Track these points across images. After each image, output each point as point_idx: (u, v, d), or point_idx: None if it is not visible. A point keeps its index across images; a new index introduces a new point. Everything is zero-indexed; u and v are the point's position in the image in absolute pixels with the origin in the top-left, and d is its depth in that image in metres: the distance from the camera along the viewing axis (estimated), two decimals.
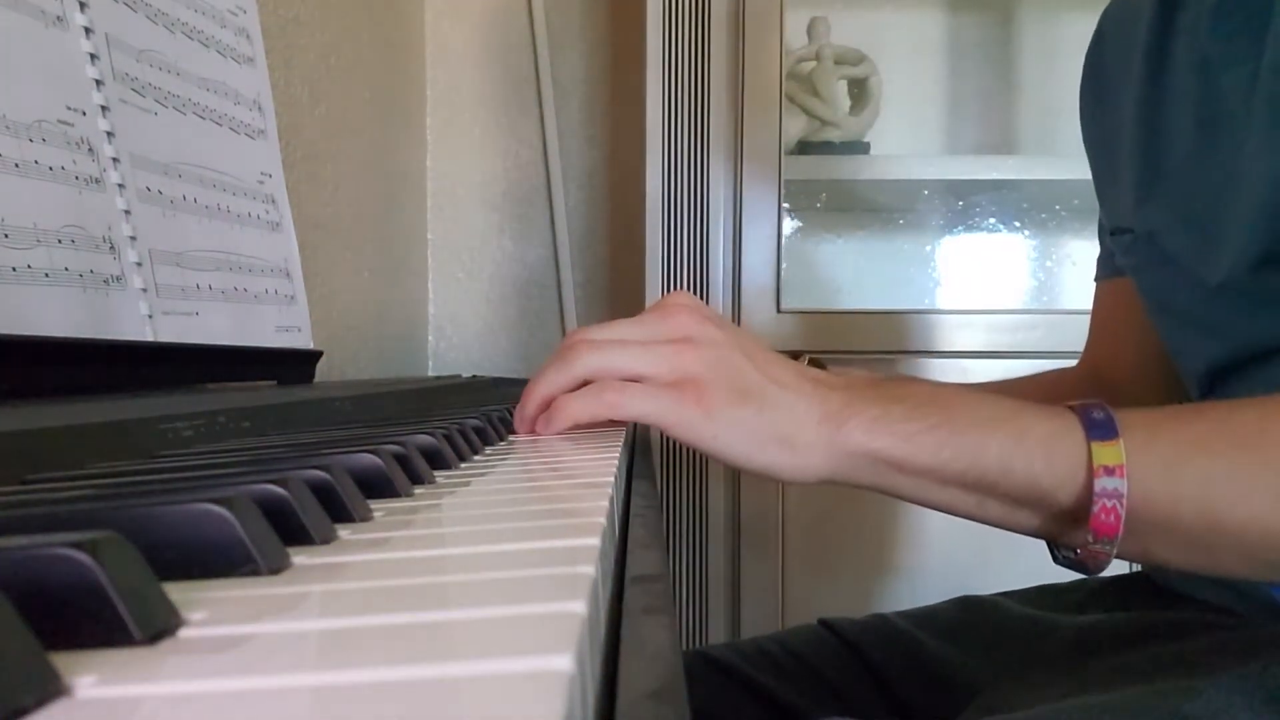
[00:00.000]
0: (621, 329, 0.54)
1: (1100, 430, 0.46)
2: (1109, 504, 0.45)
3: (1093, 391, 0.79)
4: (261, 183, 0.83)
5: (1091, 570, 0.48)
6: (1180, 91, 0.64)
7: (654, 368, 0.51)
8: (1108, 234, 0.79)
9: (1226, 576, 0.52)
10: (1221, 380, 0.65)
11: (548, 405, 0.53)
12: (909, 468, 0.48)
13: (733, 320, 1.39)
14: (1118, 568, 0.82)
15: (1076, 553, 0.48)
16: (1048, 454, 0.46)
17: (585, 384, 0.53)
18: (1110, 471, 0.45)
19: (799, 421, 0.49)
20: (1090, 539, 0.46)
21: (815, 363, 0.69)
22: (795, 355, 0.68)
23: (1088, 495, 0.45)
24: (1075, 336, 0.89)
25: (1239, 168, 0.58)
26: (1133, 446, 0.45)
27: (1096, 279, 0.84)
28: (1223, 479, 0.45)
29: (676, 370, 0.50)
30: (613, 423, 0.59)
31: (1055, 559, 0.51)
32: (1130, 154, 0.71)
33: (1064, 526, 0.48)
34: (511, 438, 0.56)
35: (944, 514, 0.52)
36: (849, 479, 0.50)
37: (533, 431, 0.54)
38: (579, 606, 0.19)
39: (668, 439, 1.38)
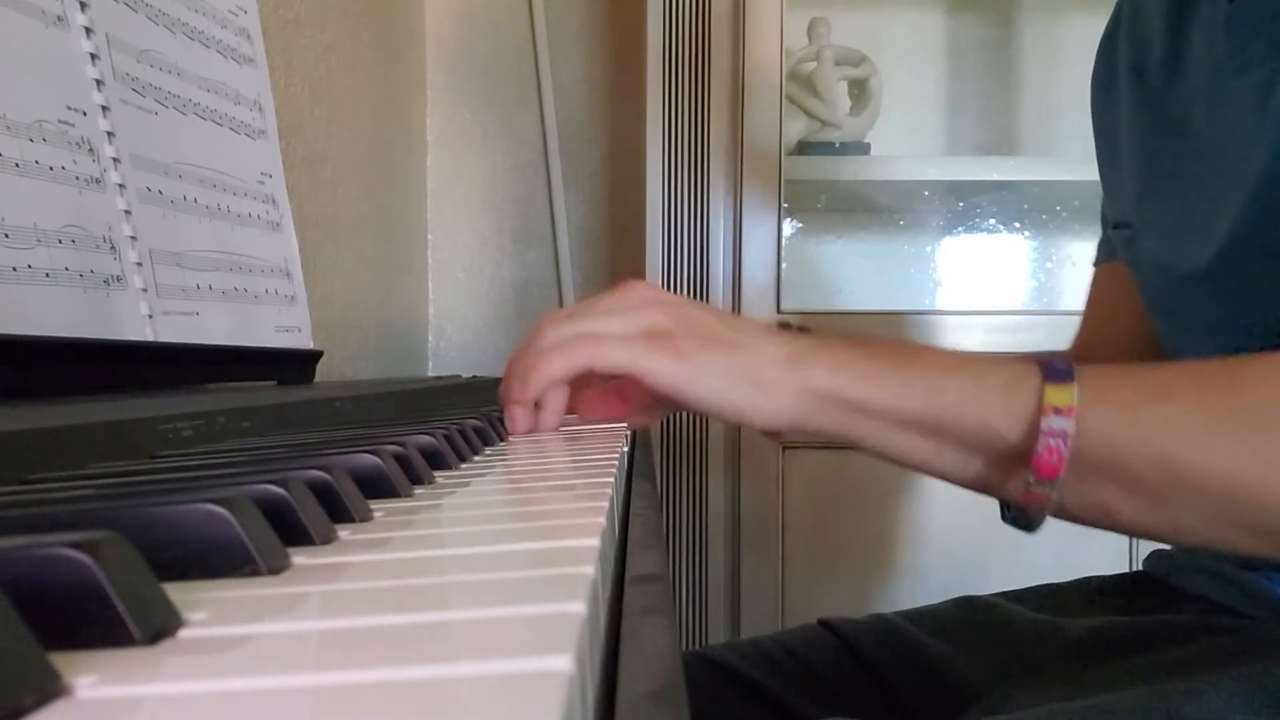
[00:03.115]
0: (585, 305, 0.55)
1: (1057, 375, 0.46)
2: (1054, 443, 0.44)
3: None
4: (262, 183, 0.83)
5: (1033, 522, 0.47)
6: (1190, 91, 0.64)
7: (624, 328, 0.52)
8: (1110, 226, 0.79)
9: (1188, 539, 0.50)
10: None
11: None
12: (869, 408, 0.48)
13: None
14: (1119, 565, 0.82)
15: (1021, 503, 0.47)
16: (1004, 397, 0.46)
17: None
18: (1058, 411, 0.44)
19: (768, 362, 0.50)
20: (1031, 480, 0.45)
21: (804, 330, 0.69)
22: (784, 326, 0.68)
23: (1035, 435, 0.45)
24: None
25: (1242, 169, 0.58)
26: (1088, 391, 0.45)
27: (1095, 263, 0.84)
28: (1184, 422, 0.44)
29: (646, 324, 0.51)
30: (612, 411, 0.59)
31: (1003, 517, 0.50)
32: (1132, 149, 0.71)
33: (1008, 472, 0.47)
34: (511, 438, 0.56)
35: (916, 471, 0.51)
36: (815, 424, 0.50)
37: (521, 422, 0.54)
38: (578, 607, 0.19)
39: (668, 439, 1.38)
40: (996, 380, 0.47)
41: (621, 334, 0.51)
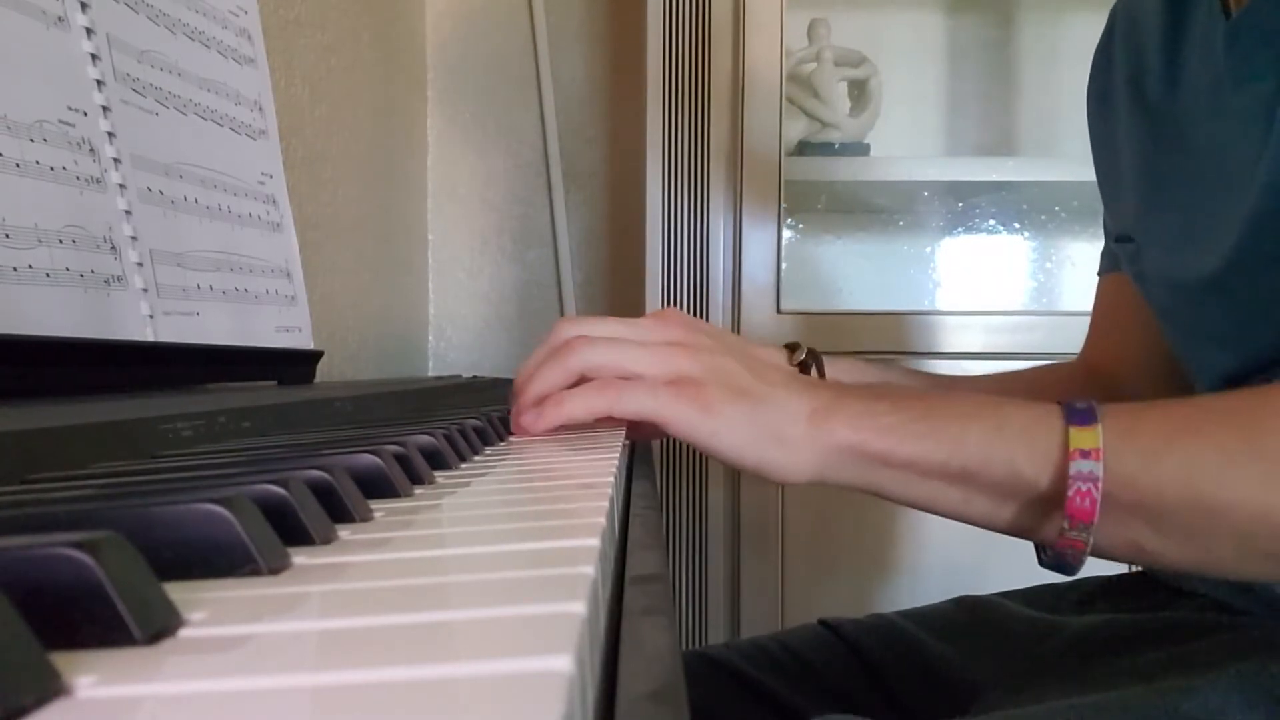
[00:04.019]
0: (616, 328, 0.54)
1: (1079, 417, 0.46)
2: (1084, 487, 0.44)
3: (1089, 387, 0.79)
4: (262, 183, 0.83)
5: (1072, 566, 0.48)
6: (1189, 103, 0.64)
7: (651, 367, 0.51)
8: (1112, 239, 0.78)
9: (1225, 574, 0.51)
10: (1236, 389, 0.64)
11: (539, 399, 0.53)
12: (892, 460, 0.48)
13: (733, 321, 1.39)
14: (1117, 566, 0.82)
15: (1057, 549, 0.47)
16: (1028, 442, 0.46)
17: (579, 381, 0.53)
18: (1086, 455, 0.45)
19: (790, 418, 0.49)
20: (1066, 525, 0.45)
21: (812, 353, 0.69)
22: (793, 346, 0.68)
23: (1064, 480, 0.45)
24: (1075, 338, 0.89)
25: (1246, 181, 0.58)
26: (1112, 432, 0.45)
27: (1099, 273, 0.84)
28: (1210, 459, 0.44)
29: (673, 370, 0.51)
30: (609, 421, 0.59)
31: (1040, 561, 0.50)
32: (1132, 163, 0.70)
33: (1042, 517, 0.47)
34: (511, 438, 0.56)
35: (940, 516, 0.52)
36: (838, 478, 0.50)
37: (526, 431, 0.54)
38: (579, 607, 0.19)
39: (668, 438, 1.38)
40: (1018, 424, 0.47)
41: (646, 376, 0.51)
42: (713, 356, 0.52)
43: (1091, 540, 0.46)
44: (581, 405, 0.51)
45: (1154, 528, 0.46)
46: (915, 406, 0.49)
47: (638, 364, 0.51)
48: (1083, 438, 0.45)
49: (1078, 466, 0.45)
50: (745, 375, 0.51)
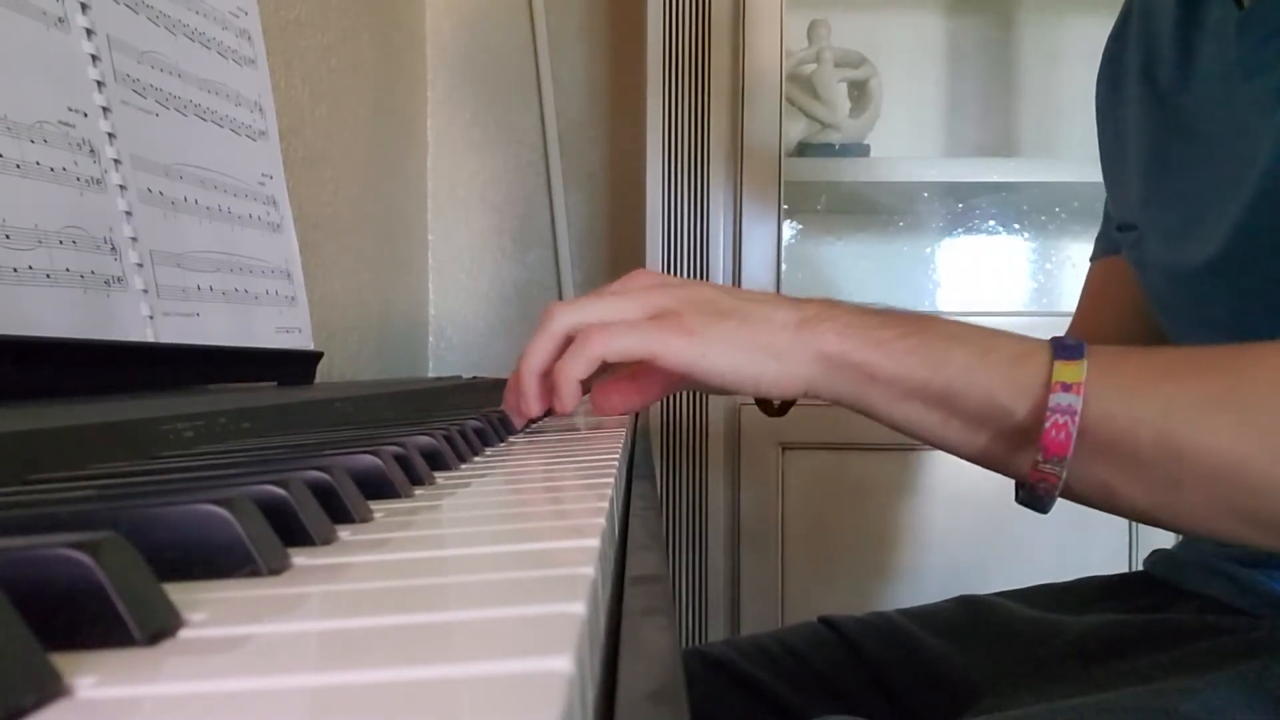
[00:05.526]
0: (590, 294, 0.55)
1: (1068, 352, 0.46)
2: (1061, 420, 0.44)
3: None
4: (262, 184, 0.83)
5: (1043, 501, 0.47)
6: (1200, 95, 0.64)
7: (630, 311, 0.52)
8: (1114, 227, 0.78)
9: (1194, 528, 0.50)
10: None
11: (547, 383, 0.54)
12: (878, 374, 0.49)
13: None
14: (1119, 565, 0.82)
15: (1030, 483, 0.47)
16: (1011, 371, 0.47)
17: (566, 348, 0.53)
18: (1067, 388, 0.45)
19: (777, 328, 0.50)
20: (1040, 458, 0.45)
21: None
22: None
23: (1042, 411, 0.45)
24: None
25: (1249, 170, 0.58)
26: (1096, 368, 0.45)
27: (1092, 258, 0.84)
28: (1186, 404, 0.44)
29: (651, 308, 0.52)
30: (633, 382, 0.59)
31: (1016, 497, 0.50)
32: (1140, 151, 0.70)
33: (1016, 449, 0.47)
34: (511, 439, 0.56)
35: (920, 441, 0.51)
36: (828, 389, 0.50)
37: (528, 412, 0.54)
38: (578, 608, 0.19)
39: (668, 439, 1.38)
40: (1005, 353, 0.47)
41: (627, 319, 0.51)
42: (689, 290, 0.52)
43: (1064, 475, 0.45)
44: (579, 360, 0.51)
45: (1127, 470, 0.45)
46: (906, 324, 0.49)
47: (615, 311, 0.52)
48: (1067, 371, 0.45)
49: (1057, 399, 0.45)
50: (725, 298, 0.52)
